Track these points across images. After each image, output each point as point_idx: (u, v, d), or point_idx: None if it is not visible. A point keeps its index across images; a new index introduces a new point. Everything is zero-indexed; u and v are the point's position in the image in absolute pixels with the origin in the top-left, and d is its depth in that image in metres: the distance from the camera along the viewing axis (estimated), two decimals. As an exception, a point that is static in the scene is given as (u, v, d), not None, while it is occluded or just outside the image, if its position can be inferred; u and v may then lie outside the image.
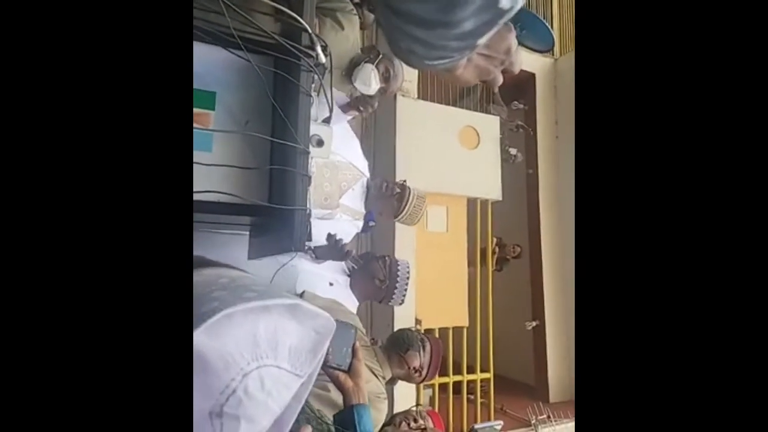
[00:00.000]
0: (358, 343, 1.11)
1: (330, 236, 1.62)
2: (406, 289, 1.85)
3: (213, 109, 0.94)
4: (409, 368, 1.57)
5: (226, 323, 0.49)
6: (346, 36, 1.81)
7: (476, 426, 1.27)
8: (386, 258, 1.90)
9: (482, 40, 0.54)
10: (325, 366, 1.06)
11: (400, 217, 1.92)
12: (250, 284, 0.59)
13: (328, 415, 1.21)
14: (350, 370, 1.09)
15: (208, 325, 0.48)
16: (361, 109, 1.91)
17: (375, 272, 1.84)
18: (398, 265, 1.88)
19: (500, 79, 0.64)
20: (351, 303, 1.84)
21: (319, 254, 1.67)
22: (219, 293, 0.53)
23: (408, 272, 1.87)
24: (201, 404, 0.47)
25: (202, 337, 0.47)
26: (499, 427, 1.29)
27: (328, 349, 1.04)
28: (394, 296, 1.84)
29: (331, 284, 1.79)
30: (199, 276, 0.57)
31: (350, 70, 1.87)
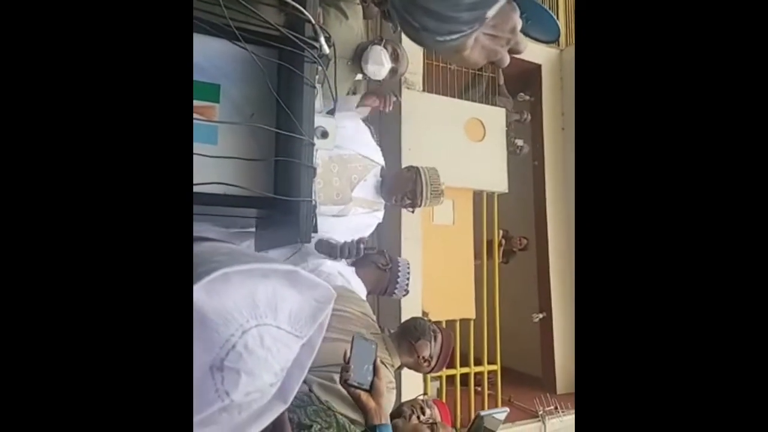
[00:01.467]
0: (379, 361, 1.08)
1: (344, 244, 1.64)
2: (408, 280, 1.87)
3: (218, 101, 0.95)
4: (418, 357, 1.56)
5: (225, 283, 0.50)
6: (351, 26, 1.80)
7: (482, 413, 1.27)
8: (384, 251, 1.93)
9: (491, 12, 0.55)
10: (346, 385, 1.04)
11: (423, 206, 1.86)
12: (249, 253, 0.60)
13: (336, 406, 1.22)
14: (372, 389, 1.05)
15: (206, 282, 0.48)
16: (379, 101, 1.85)
17: (377, 259, 1.87)
18: (398, 259, 1.90)
19: (507, 59, 0.64)
20: (360, 288, 1.85)
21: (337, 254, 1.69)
22: (219, 257, 0.54)
23: (408, 265, 1.89)
24: (201, 358, 0.48)
25: (200, 294, 0.48)
26: (503, 416, 1.29)
27: (349, 367, 1.02)
28: (398, 284, 1.86)
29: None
30: (199, 247, 0.58)
31: (357, 57, 1.86)
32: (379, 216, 1.90)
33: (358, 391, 1.05)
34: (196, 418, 0.47)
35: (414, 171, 1.84)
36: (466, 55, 0.62)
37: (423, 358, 1.55)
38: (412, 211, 1.95)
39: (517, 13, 0.61)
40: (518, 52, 0.64)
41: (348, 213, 1.78)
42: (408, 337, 1.57)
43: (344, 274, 1.78)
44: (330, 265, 1.75)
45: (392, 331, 1.85)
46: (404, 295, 1.93)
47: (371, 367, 1.07)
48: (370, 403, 1.04)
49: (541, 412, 3.64)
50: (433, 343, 1.56)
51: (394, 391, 1.53)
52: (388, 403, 1.42)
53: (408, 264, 1.90)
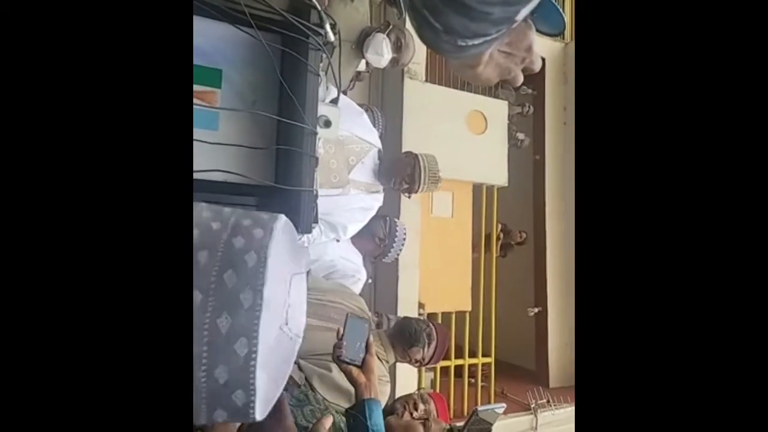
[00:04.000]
0: (371, 338, 1.10)
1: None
2: (401, 250, 1.99)
3: (219, 87, 0.93)
4: (410, 360, 1.59)
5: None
6: (356, 8, 1.78)
7: (479, 408, 1.26)
8: (387, 218, 1.95)
9: (524, 12, 0.52)
10: (339, 361, 1.06)
11: (420, 192, 1.88)
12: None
13: (329, 397, 1.23)
14: (363, 366, 1.09)
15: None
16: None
17: (376, 231, 1.95)
18: (397, 226, 1.99)
19: (521, 78, 0.62)
20: (357, 255, 1.95)
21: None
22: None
23: (405, 234, 1.99)
24: (272, 324, 0.53)
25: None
26: (501, 411, 1.29)
27: (341, 344, 1.04)
28: (389, 254, 1.99)
29: (337, 241, 1.84)
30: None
31: (360, 42, 1.84)
32: (379, 198, 1.89)
33: (349, 366, 1.08)
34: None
35: (413, 157, 1.86)
36: (480, 72, 0.60)
37: (416, 360, 1.58)
38: (409, 197, 1.99)
39: (533, 31, 0.59)
40: (533, 71, 0.62)
41: (348, 193, 1.79)
42: (401, 342, 1.58)
43: (346, 256, 1.85)
44: (332, 253, 1.80)
45: (390, 318, 1.88)
46: (393, 261, 2.07)
47: (363, 345, 1.09)
48: (361, 378, 1.07)
49: (533, 405, 3.67)
50: (426, 349, 1.57)
51: (389, 385, 1.54)
52: (382, 395, 1.43)
53: (405, 234, 1.99)
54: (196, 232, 0.53)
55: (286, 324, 0.55)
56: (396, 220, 2.03)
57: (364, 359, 1.09)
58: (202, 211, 0.56)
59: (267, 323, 0.50)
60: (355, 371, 1.08)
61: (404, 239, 1.97)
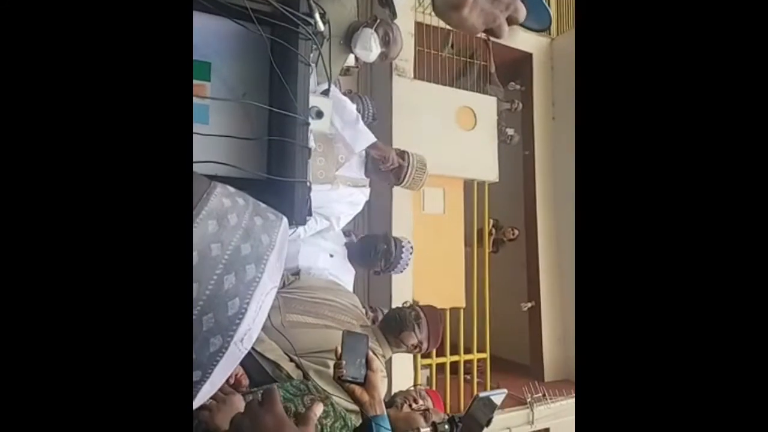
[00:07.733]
0: (371, 353, 1.06)
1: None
2: (406, 266, 2.00)
3: (209, 80, 0.92)
4: (407, 347, 1.56)
5: None
6: (343, 3, 1.77)
7: (480, 395, 1.25)
8: (390, 240, 1.97)
9: None
10: (340, 381, 1.03)
11: (402, 186, 1.97)
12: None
13: (331, 392, 1.22)
14: (365, 383, 1.04)
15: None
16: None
17: (382, 254, 1.94)
18: (402, 248, 1.98)
19: (506, 29, 0.63)
20: (349, 273, 1.94)
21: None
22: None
23: (410, 254, 2.00)
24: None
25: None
26: (502, 396, 1.27)
27: (341, 363, 1.02)
28: (393, 271, 2.00)
29: (331, 255, 1.84)
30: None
31: (348, 37, 1.84)
32: (366, 192, 1.96)
33: (352, 386, 1.03)
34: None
35: (403, 152, 1.98)
36: (465, 15, 0.60)
37: (412, 345, 1.56)
38: (398, 184, 2.05)
39: None
40: (516, 21, 0.63)
41: (338, 188, 1.85)
42: (391, 331, 1.57)
43: (336, 274, 1.82)
44: (321, 267, 1.79)
45: (385, 311, 1.89)
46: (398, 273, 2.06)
47: (364, 361, 1.05)
48: (364, 396, 1.03)
49: (529, 400, 3.68)
50: (417, 330, 1.55)
51: (386, 380, 1.53)
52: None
53: (410, 255, 1.99)
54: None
55: (242, 341, 0.59)
56: (403, 241, 2.03)
57: (366, 376, 1.04)
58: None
59: None
60: (357, 390, 1.03)
61: (410, 259, 1.99)
